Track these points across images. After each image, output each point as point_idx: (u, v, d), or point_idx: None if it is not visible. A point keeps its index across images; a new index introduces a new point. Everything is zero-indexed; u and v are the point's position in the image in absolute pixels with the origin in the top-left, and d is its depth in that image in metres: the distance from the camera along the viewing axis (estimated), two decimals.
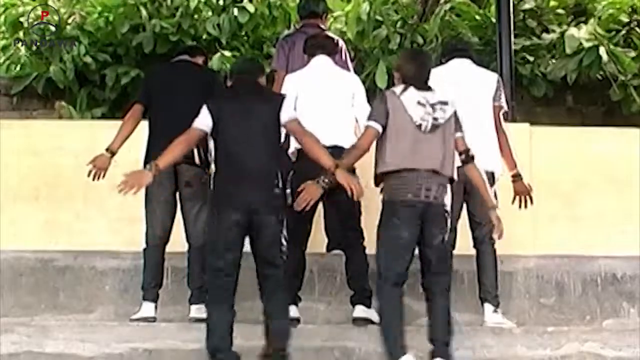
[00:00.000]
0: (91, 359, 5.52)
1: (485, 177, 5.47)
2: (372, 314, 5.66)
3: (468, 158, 5.33)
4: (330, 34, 6.97)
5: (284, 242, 5.20)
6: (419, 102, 5.17)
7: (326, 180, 5.20)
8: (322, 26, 7.05)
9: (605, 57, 9.08)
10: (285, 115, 5.23)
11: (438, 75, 5.96)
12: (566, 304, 6.70)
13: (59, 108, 9.34)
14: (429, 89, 5.27)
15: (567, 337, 5.66)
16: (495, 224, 5.37)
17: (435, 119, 5.16)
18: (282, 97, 5.37)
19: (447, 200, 5.17)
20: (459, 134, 5.28)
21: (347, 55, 6.94)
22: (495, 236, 5.49)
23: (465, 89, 6.00)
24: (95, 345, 5.54)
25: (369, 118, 5.24)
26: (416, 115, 5.14)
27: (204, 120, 5.19)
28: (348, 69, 6.59)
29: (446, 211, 5.16)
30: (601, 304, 6.70)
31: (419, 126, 5.13)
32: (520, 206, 6.06)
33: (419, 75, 5.29)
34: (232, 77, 5.48)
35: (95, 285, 6.66)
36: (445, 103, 5.23)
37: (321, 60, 6.06)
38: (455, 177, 5.26)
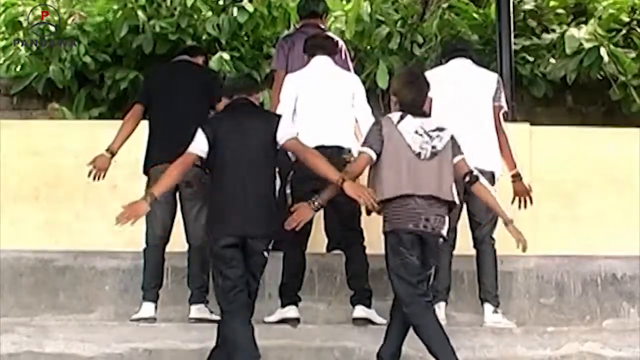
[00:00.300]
0: (91, 359, 5.53)
1: (494, 192, 5.42)
2: (372, 314, 5.66)
3: (473, 178, 5.27)
4: (330, 34, 6.96)
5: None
6: (416, 132, 5.13)
7: (318, 202, 5.21)
8: (322, 26, 7.05)
9: (606, 57, 9.07)
10: (282, 134, 5.18)
11: (438, 76, 5.97)
12: (566, 304, 6.70)
13: (51, 110, 9.32)
14: (424, 114, 5.26)
15: (567, 337, 5.66)
16: (515, 237, 5.28)
17: (434, 147, 5.13)
18: (278, 117, 5.33)
19: (445, 231, 5.15)
20: (459, 157, 5.23)
21: (347, 55, 6.93)
22: (519, 249, 5.33)
23: (465, 89, 6.00)
24: (95, 345, 5.55)
25: (364, 144, 5.20)
26: (415, 144, 5.11)
27: (199, 145, 5.13)
28: (348, 69, 6.59)
29: (437, 244, 5.15)
30: (601, 304, 6.70)
31: (418, 154, 5.10)
32: (520, 206, 6.06)
33: (416, 102, 5.24)
34: (227, 95, 5.44)
35: (95, 285, 6.66)
36: (442, 129, 5.19)
37: (321, 61, 6.06)
38: (457, 200, 5.23)
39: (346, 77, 6.11)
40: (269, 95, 8.42)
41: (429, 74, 5.73)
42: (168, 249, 5.96)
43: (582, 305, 6.70)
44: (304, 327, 5.71)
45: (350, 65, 6.89)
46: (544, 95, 9.52)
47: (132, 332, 5.64)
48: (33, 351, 5.53)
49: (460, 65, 6.14)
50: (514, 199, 6.06)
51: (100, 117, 9.33)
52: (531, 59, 9.47)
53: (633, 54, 9.34)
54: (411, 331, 5.40)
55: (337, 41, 6.61)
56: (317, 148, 5.72)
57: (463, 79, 6.07)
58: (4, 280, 6.62)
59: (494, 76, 6.20)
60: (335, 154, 5.70)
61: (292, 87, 5.94)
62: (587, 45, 9.13)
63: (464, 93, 5.96)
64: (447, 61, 6.21)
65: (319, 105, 5.87)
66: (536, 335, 5.68)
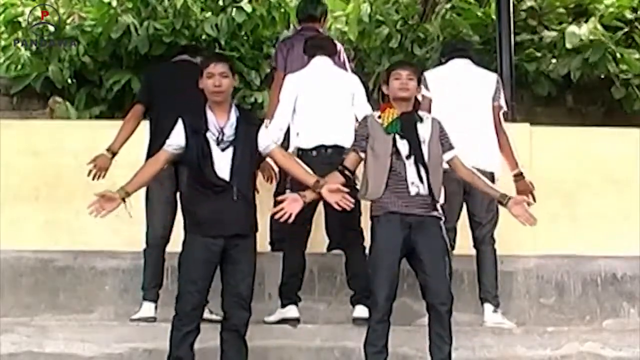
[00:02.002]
0: (91, 359, 5.53)
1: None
2: None
3: None
4: (328, 36, 6.97)
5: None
6: None
7: (306, 198, 5.15)
8: (320, 30, 7.05)
9: (608, 56, 9.05)
10: None
11: (438, 76, 5.97)
12: (566, 304, 6.70)
13: (52, 104, 9.32)
14: None
15: (567, 337, 5.67)
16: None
17: None
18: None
19: None
20: None
21: (346, 57, 6.94)
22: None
23: (465, 89, 6.00)
24: (95, 345, 5.55)
25: None
26: None
27: (176, 141, 5.13)
28: (346, 70, 6.59)
29: None
30: (601, 304, 6.69)
31: None
32: None
33: None
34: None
35: (95, 285, 6.65)
36: None
37: (321, 61, 6.07)
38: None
39: (346, 77, 6.12)
40: (268, 96, 8.45)
41: (429, 75, 5.72)
42: (168, 249, 5.96)
43: (582, 305, 6.69)
44: (304, 327, 5.71)
45: (348, 66, 6.88)
46: (546, 94, 9.51)
47: (132, 332, 5.64)
48: (33, 351, 5.53)
49: (460, 66, 6.14)
50: None
51: (101, 115, 9.34)
52: (538, 54, 9.46)
53: (637, 55, 9.32)
54: (411, 331, 5.42)
55: (336, 43, 6.61)
56: (317, 148, 5.75)
57: (463, 79, 6.07)
58: (4, 280, 6.61)
59: (494, 76, 6.20)
60: (336, 153, 5.70)
61: (292, 87, 5.95)
62: (588, 42, 9.12)
63: (463, 93, 5.96)
64: (446, 61, 6.21)
65: (318, 104, 5.87)
66: (536, 335, 5.68)
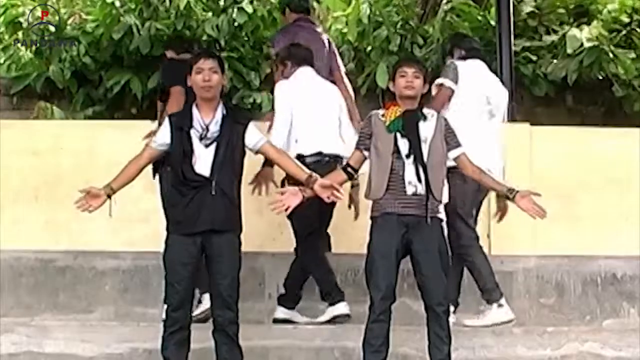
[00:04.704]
0: (91, 359, 5.53)
1: None
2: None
3: None
4: (319, 29, 7.05)
5: None
6: None
7: (308, 192, 5.10)
8: (313, 21, 7.17)
9: (605, 58, 9.07)
10: None
11: (468, 70, 5.92)
12: (566, 304, 6.70)
13: (38, 109, 9.32)
14: None
15: (567, 337, 5.67)
16: None
17: None
18: None
19: None
20: None
21: (336, 52, 7.00)
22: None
23: (491, 94, 5.97)
24: (95, 345, 5.55)
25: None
26: None
27: (161, 138, 5.07)
28: (338, 63, 6.78)
29: None
30: (601, 304, 6.70)
31: None
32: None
33: None
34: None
35: (95, 285, 6.66)
36: None
37: (306, 72, 6.15)
38: None
39: (329, 88, 6.22)
40: (267, 99, 8.49)
41: (462, 66, 5.73)
42: None
43: (582, 305, 6.70)
44: (304, 327, 5.71)
45: (340, 60, 6.94)
46: (545, 95, 9.53)
47: (132, 332, 5.64)
48: (33, 351, 5.54)
49: (483, 68, 6.08)
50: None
51: (95, 115, 9.35)
52: (533, 58, 9.47)
53: (633, 55, 9.32)
54: (411, 331, 5.42)
55: (328, 41, 6.66)
56: (316, 154, 5.80)
57: (489, 84, 6.02)
58: (4, 280, 6.62)
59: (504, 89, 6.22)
60: (334, 163, 5.77)
61: (287, 96, 6.01)
62: (587, 45, 9.14)
63: (490, 98, 5.93)
64: (467, 57, 6.07)
65: (313, 114, 5.95)
66: (536, 335, 5.68)
